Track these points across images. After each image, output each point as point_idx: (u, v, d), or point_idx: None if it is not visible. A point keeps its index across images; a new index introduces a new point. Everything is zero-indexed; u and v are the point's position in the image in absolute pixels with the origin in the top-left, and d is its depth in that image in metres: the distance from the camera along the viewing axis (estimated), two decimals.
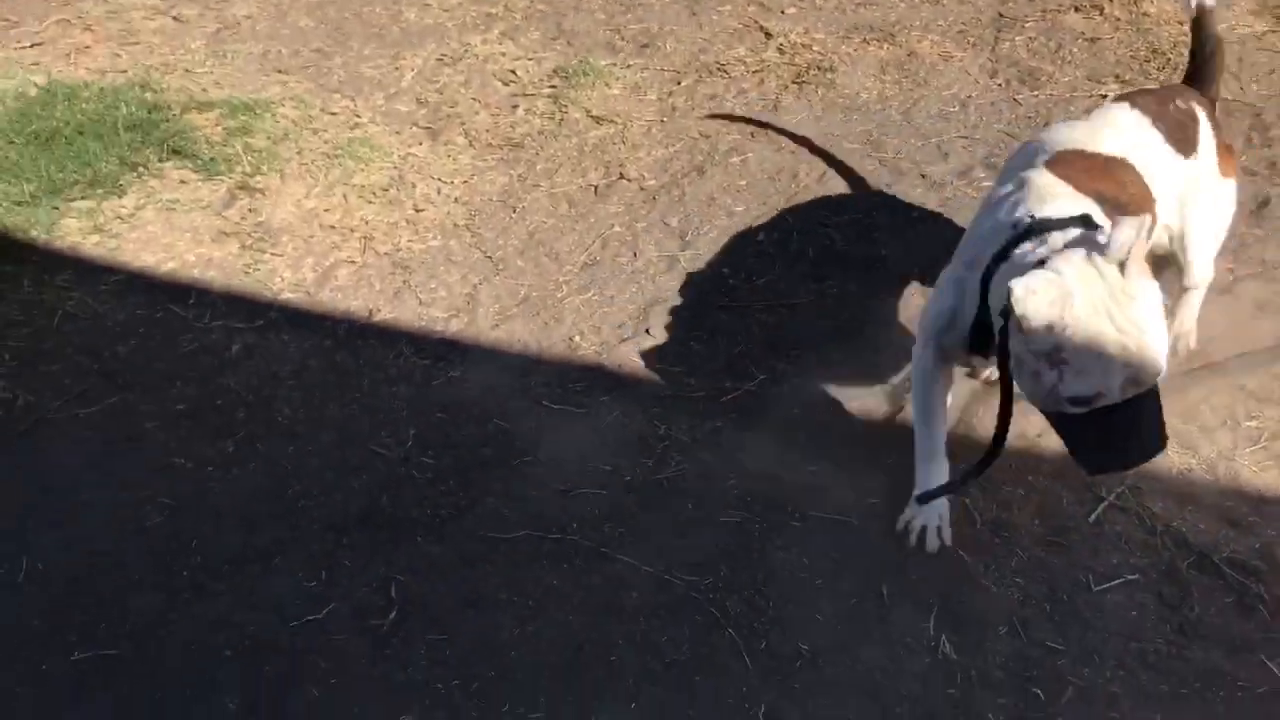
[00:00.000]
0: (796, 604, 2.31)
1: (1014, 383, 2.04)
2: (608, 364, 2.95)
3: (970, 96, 3.98)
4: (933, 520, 2.35)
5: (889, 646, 2.21)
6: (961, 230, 2.52)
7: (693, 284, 3.20)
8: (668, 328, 3.05)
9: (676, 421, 2.75)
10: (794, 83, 4.08)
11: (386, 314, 3.16)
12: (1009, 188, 2.28)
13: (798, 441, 2.67)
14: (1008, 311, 1.93)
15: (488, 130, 3.88)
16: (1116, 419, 1.93)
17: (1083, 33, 4.31)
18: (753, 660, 2.21)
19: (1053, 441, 2.53)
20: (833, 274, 3.18)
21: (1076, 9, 4.47)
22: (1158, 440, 1.96)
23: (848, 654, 2.20)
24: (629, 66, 4.22)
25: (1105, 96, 3.95)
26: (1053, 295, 1.87)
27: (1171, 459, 2.52)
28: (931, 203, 3.47)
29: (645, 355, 2.96)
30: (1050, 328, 1.89)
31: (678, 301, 3.13)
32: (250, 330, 3.12)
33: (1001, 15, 4.44)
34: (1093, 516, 2.44)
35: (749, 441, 2.68)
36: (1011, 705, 2.10)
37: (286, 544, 2.51)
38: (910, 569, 2.34)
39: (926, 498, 2.30)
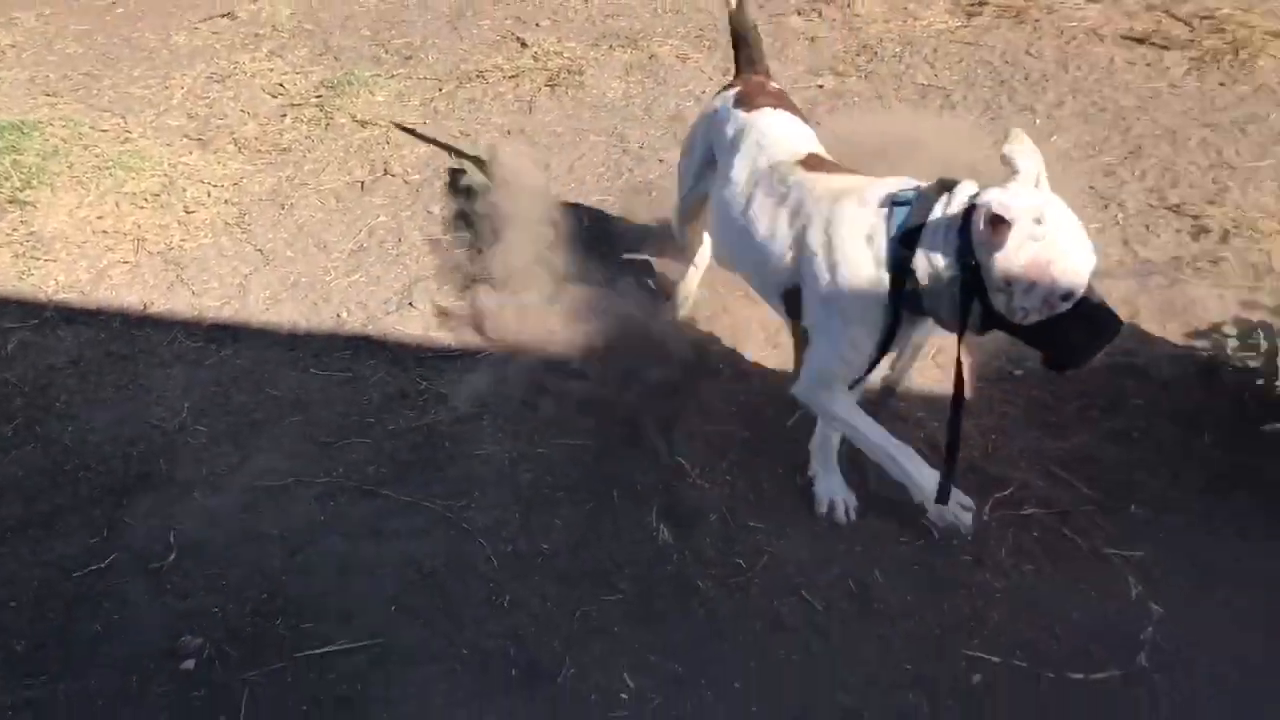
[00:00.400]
0: (538, 513, 2.62)
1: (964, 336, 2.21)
2: (373, 334, 3.22)
3: (704, 92, 4.42)
4: (955, 511, 2.44)
5: (618, 540, 2.55)
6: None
7: (453, 263, 3.50)
8: (430, 300, 3.34)
9: (435, 378, 3.04)
10: (547, 85, 4.45)
11: (160, 306, 3.35)
12: (782, 207, 2.44)
13: (546, 387, 2.99)
14: (966, 264, 2.12)
15: (256, 138, 4.11)
16: (1090, 309, 2.12)
17: (803, 33, 4.82)
18: (500, 562, 2.52)
19: (758, 366, 2.95)
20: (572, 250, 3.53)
21: (799, 13, 4.98)
22: (1116, 319, 2.15)
23: (582, 549, 2.53)
24: (394, 76, 4.51)
25: (821, 86, 4.44)
26: (1025, 195, 2.07)
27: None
28: (668, 183, 3.86)
29: (408, 324, 3.24)
30: (1039, 220, 2.06)
31: (439, 278, 3.42)
32: (25, 329, 3.26)
33: None
34: (790, 422, 2.84)
35: (501, 389, 2.99)
36: (718, 574, 2.46)
37: (66, 510, 2.69)
38: (635, 477, 2.69)
39: (944, 496, 2.31)
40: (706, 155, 2.82)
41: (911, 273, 2.23)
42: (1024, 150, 2.16)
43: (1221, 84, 4.35)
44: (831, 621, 2.36)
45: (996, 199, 2.07)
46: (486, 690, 2.24)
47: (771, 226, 2.48)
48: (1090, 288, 2.13)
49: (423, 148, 4.06)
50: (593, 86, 4.42)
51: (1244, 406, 2.84)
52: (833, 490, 2.58)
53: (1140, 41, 4.68)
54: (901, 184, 2.33)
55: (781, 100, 2.79)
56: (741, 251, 2.57)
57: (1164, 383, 2.85)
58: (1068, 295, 2.12)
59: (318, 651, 2.32)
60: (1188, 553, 2.43)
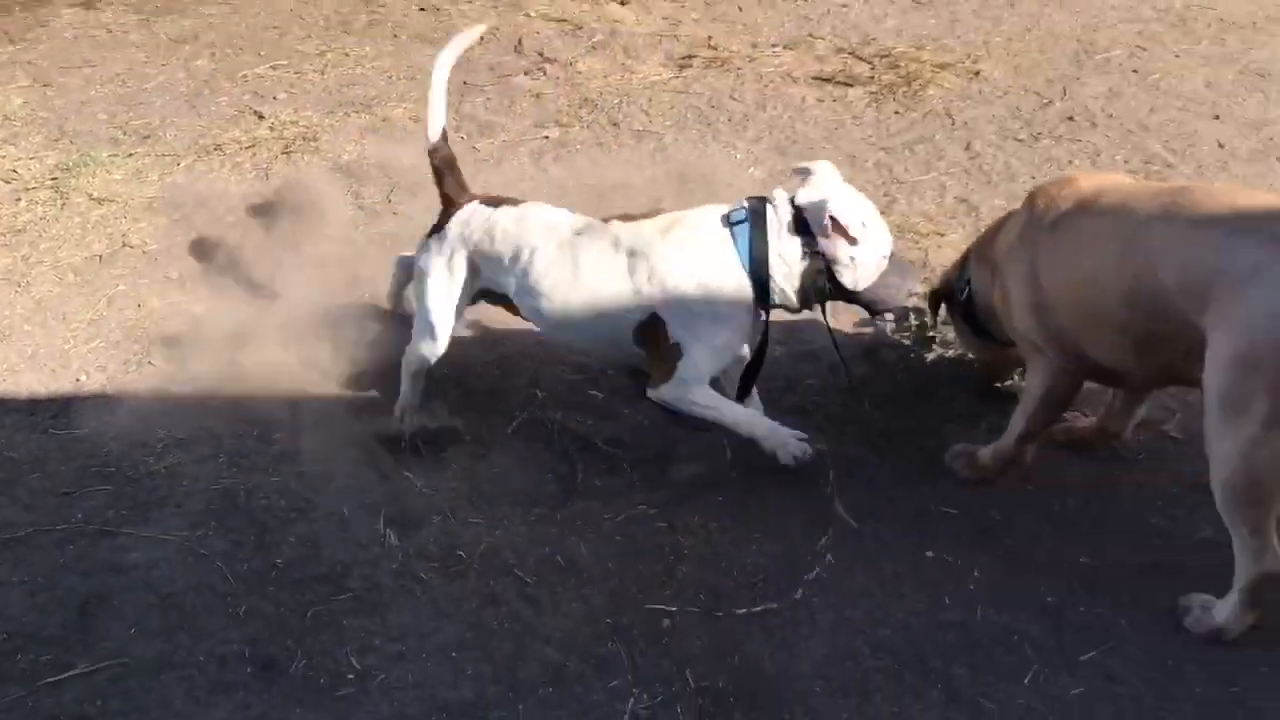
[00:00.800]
0: (273, 533, 2.83)
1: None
2: (113, 392, 3.36)
3: None
4: (788, 438, 2.84)
5: (348, 548, 2.78)
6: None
7: (190, 320, 3.67)
8: (167, 359, 3.50)
9: (174, 424, 3.21)
10: (283, 153, 4.68)
11: None
12: (616, 257, 2.85)
13: (277, 420, 3.20)
14: (815, 254, 2.78)
15: None
16: (896, 261, 2.89)
17: (529, 90, 5.21)
18: (237, 580, 2.71)
19: (481, 384, 3.24)
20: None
21: (525, 73, 5.38)
22: (910, 263, 3.02)
23: (314, 559, 2.75)
24: (131, 155, 4.66)
25: (547, 138, 4.82)
26: (842, 196, 2.78)
27: (564, 375, 3.29)
28: (405, 231, 4.15)
29: (148, 379, 3.40)
30: (865, 207, 2.80)
31: (177, 336, 3.59)
32: None
33: (466, 83, 5.26)
34: (510, 429, 3.14)
35: (235, 427, 3.18)
36: (440, 565, 2.72)
37: None
38: (365, 493, 2.93)
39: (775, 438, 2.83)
40: (465, 285, 3.03)
41: (769, 275, 2.79)
42: (818, 164, 2.88)
43: (896, 112, 4.94)
44: (541, 592, 2.64)
45: (833, 205, 2.74)
46: (224, 688, 2.42)
47: (612, 277, 2.85)
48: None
49: (162, 217, 4.22)
50: (328, 151, 4.67)
51: (897, 378, 3.30)
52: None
53: (828, 81, 5.26)
54: (717, 209, 2.87)
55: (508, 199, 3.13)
56: (582, 316, 2.89)
57: (833, 364, 3.27)
58: (887, 255, 2.84)
59: (58, 678, 2.46)
60: (852, 498, 2.84)
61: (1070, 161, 4.46)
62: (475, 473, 3.01)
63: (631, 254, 2.85)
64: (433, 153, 3.13)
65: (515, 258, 2.95)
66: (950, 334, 3.20)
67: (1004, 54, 5.43)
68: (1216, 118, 4.81)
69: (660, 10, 5.97)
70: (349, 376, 3.29)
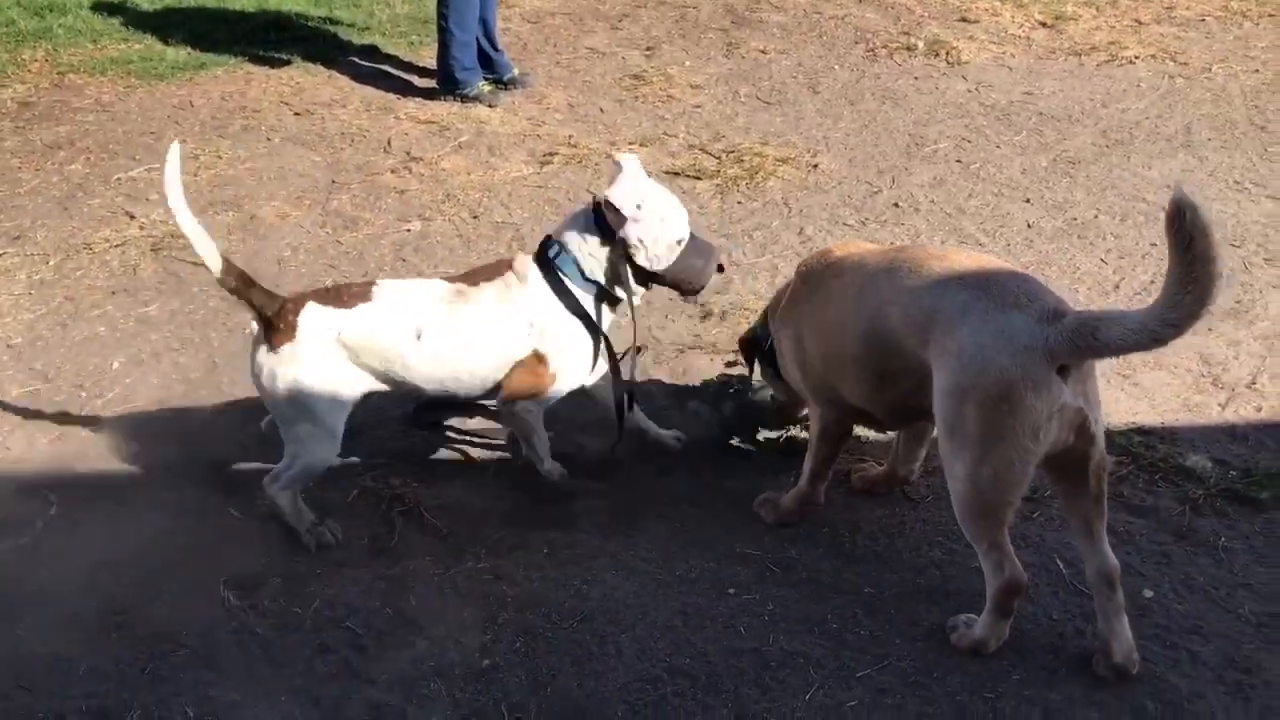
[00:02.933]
0: (120, 598, 2.97)
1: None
2: None
3: (301, 243, 4.97)
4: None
5: (187, 608, 2.93)
6: None
7: (55, 408, 3.83)
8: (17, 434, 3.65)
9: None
10: (152, 250, 4.88)
11: None
12: (500, 307, 3.16)
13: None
14: (612, 242, 3.11)
15: None
16: (696, 243, 3.21)
17: (394, 187, 5.49)
18: (76, 640, 2.84)
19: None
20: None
21: (392, 171, 5.66)
22: (713, 245, 3.28)
23: (153, 618, 2.90)
24: (1, 256, 4.82)
25: (410, 230, 5.09)
26: (624, 184, 3.08)
27: (390, 444, 3.51)
28: None
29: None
30: (640, 199, 3.08)
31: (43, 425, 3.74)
32: None
33: (334, 181, 5.53)
34: (349, 498, 3.34)
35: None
36: (276, 621, 2.89)
37: None
38: (208, 555, 3.10)
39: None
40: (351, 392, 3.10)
41: (594, 282, 3.18)
42: (626, 157, 3.21)
43: (739, 202, 5.32)
44: (370, 641, 2.83)
45: (606, 193, 3.10)
46: None
47: (499, 324, 3.15)
48: (692, 233, 3.19)
49: (27, 314, 4.38)
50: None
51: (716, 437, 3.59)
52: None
53: (679, 174, 5.63)
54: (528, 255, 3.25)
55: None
56: (472, 367, 3.17)
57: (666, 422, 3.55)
58: (680, 239, 3.15)
59: None
60: (663, 543, 3.09)
61: (890, 243, 4.85)
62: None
63: (503, 303, 3.17)
64: (223, 280, 3.02)
65: (390, 344, 3.07)
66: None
67: (841, 148, 5.88)
68: (1028, 201, 5.28)
69: (525, 112, 6.33)
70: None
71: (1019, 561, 2.59)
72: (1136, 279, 4.59)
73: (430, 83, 6.57)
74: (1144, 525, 3.18)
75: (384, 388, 3.17)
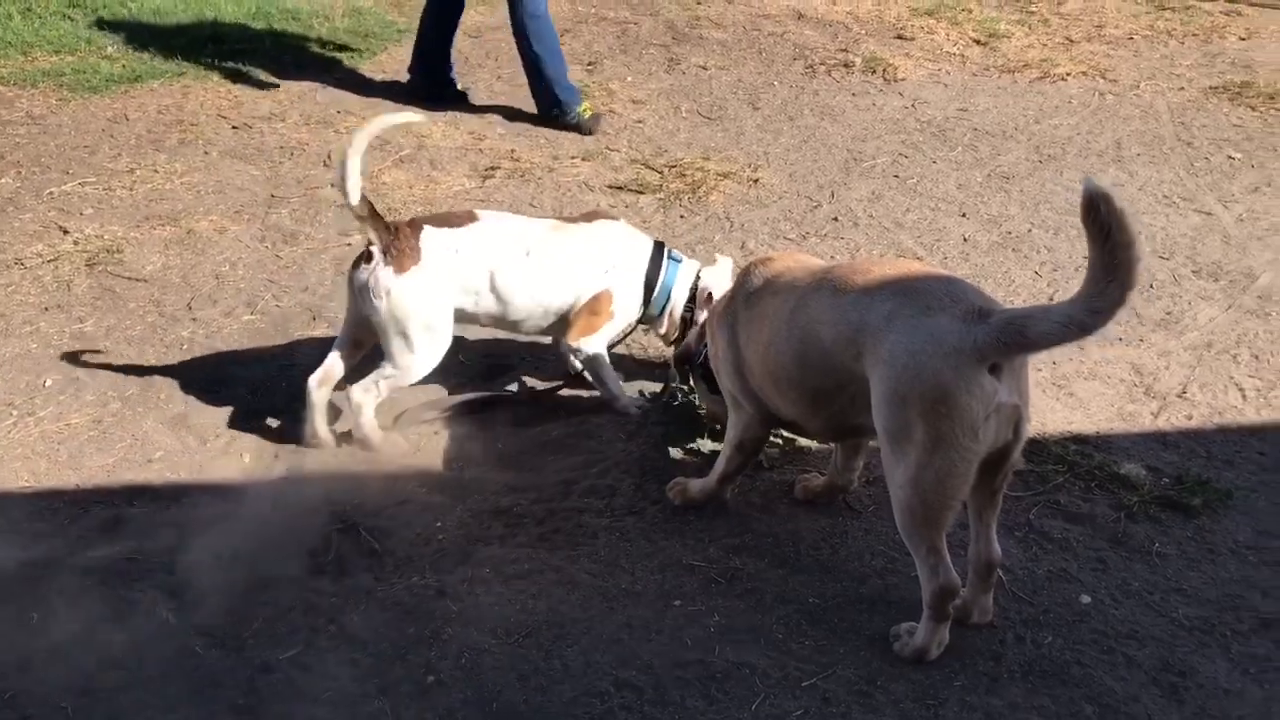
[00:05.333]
0: (56, 619, 2.91)
1: None
2: None
3: (240, 258, 4.91)
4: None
5: (125, 628, 2.88)
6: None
7: None
8: None
9: None
10: (86, 265, 4.79)
11: None
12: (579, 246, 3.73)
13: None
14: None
15: None
16: None
17: (335, 201, 5.44)
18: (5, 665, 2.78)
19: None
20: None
21: (332, 185, 5.61)
22: None
23: (90, 642, 2.84)
24: None
25: (349, 245, 5.04)
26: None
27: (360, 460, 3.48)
28: (200, 337, 4.30)
29: None
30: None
31: None
32: None
33: (273, 195, 5.48)
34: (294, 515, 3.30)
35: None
36: (217, 637, 2.85)
37: None
38: (146, 575, 3.04)
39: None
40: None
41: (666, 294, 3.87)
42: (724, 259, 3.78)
43: (682, 216, 5.35)
44: (312, 659, 2.79)
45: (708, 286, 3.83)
46: None
47: (570, 264, 3.66)
48: None
49: None
50: (132, 262, 4.81)
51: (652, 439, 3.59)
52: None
53: (622, 189, 5.65)
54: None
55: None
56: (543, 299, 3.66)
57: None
58: None
59: None
60: (610, 555, 3.09)
61: (831, 256, 4.90)
62: (257, 561, 3.14)
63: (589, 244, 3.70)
64: (356, 209, 3.41)
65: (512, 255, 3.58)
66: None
67: (782, 163, 5.94)
68: (963, 215, 5.36)
69: (467, 126, 6.32)
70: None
71: (954, 568, 2.63)
72: (1070, 291, 4.66)
73: (373, 98, 6.55)
74: (1081, 532, 3.23)
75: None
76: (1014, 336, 2.35)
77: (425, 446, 3.65)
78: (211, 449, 3.63)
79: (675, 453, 3.54)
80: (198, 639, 2.86)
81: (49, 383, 4.00)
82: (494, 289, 3.56)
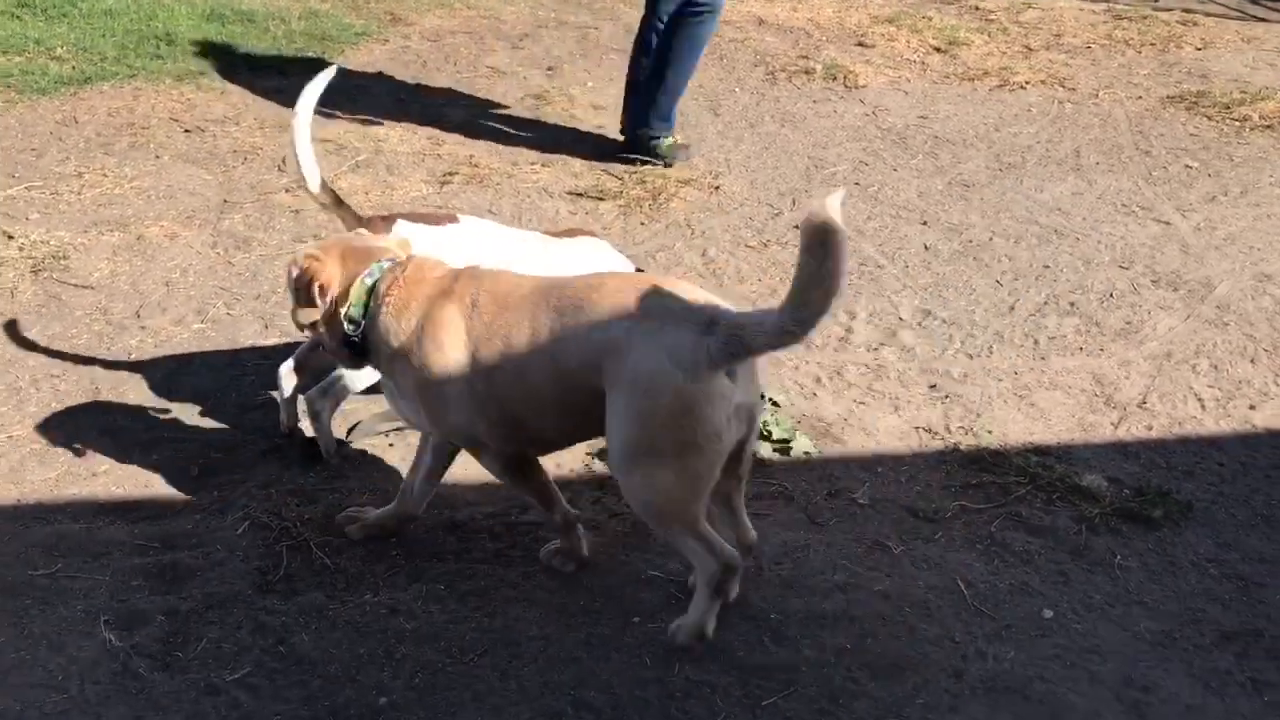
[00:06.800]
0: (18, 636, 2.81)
1: None
2: None
3: (191, 264, 4.81)
4: None
5: (63, 652, 2.78)
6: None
7: None
8: None
9: None
10: (31, 272, 4.67)
11: None
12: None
13: None
14: None
15: None
16: None
17: (290, 206, 5.35)
18: None
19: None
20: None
21: (286, 190, 5.52)
22: None
23: (28, 665, 2.74)
24: None
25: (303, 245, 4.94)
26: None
27: (294, 478, 3.40)
28: (149, 346, 4.19)
29: None
30: None
31: None
32: None
33: (226, 201, 5.37)
34: (239, 530, 3.22)
35: None
36: (158, 661, 2.76)
37: None
38: (88, 595, 2.95)
39: None
40: None
41: None
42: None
43: (642, 223, 5.30)
44: (261, 680, 2.71)
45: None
46: None
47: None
48: None
49: None
50: (78, 269, 4.69)
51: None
52: None
53: (582, 195, 5.60)
54: None
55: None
56: None
57: None
58: None
59: None
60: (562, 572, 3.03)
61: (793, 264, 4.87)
62: (208, 577, 3.05)
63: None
64: (318, 196, 3.41)
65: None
66: None
67: (743, 170, 5.91)
68: (924, 223, 5.36)
69: (425, 132, 6.24)
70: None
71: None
72: (1030, 300, 4.68)
73: (328, 104, 6.43)
74: (1042, 545, 3.21)
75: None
76: (736, 346, 2.47)
77: (379, 458, 3.57)
78: (158, 462, 3.53)
79: None
80: (140, 660, 2.77)
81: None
82: None
